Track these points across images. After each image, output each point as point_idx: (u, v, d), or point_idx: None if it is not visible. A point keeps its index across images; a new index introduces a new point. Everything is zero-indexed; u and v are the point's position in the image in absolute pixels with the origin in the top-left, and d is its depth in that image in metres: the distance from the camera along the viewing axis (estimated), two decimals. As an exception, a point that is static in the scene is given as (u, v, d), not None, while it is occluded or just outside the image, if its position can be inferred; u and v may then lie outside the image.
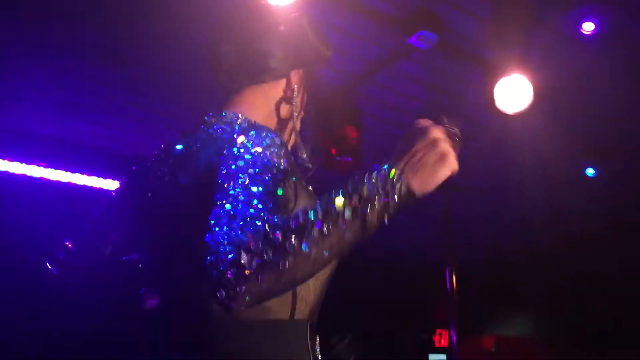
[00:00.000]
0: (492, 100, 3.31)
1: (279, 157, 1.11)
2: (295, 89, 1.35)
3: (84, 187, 4.29)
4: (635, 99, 3.64)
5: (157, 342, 1.20)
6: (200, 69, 1.71)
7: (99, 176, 4.33)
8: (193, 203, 1.13)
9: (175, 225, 1.19)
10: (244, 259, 0.90)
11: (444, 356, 8.76)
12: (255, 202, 0.99)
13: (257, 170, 1.04)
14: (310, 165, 1.35)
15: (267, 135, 1.13)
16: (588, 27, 3.05)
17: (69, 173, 4.22)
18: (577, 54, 3.29)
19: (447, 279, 5.04)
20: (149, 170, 1.29)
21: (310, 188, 1.27)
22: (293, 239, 0.91)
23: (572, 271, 6.61)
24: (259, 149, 1.09)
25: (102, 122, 4.01)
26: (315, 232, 0.92)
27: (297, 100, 1.37)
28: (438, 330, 8.89)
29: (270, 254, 0.90)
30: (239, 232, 0.93)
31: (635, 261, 6.00)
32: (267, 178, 1.04)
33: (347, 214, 0.95)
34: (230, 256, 0.90)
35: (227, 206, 0.98)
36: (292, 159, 1.22)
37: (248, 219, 0.95)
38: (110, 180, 4.34)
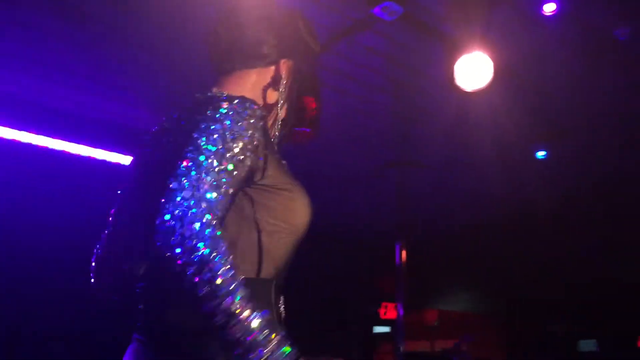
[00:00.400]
0: (452, 77, 3.31)
1: (255, 128, 1.20)
2: (283, 76, 1.42)
3: (47, 149, 4.21)
4: (590, 82, 3.70)
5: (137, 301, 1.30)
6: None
7: (60, 138, 4.24)
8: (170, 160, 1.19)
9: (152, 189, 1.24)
10: (206, 219, 1.04)
11: (388, 328, 8.94)
12: (218, 167, 1.11)
13: (231, 137, 1.15)
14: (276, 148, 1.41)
15: (249, 106, 1.22)
16: (549, 7, 3.06)
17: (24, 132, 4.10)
18: (537, 34, 3.30)
19: (397, 253, 5.08)
20: (146, 146, 1.40)
21: (284, 162, 1.35)
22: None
23: (516, 249, 6.79)
24: (238, 117, 1.18)
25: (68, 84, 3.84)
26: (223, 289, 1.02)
27: (284, 89, 1.43)
28: (384, 304, 9.03)
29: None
30: (206, 191, 1.07)
31: (579, 241, 6.20)
32: (237, 145, 1.15)
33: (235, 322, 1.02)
34: (193, 210, 1.04)
35: (200, 158, 1.11)
36: (269, 134, 1.32)
37: (214, 182, 1.09)
38: (72, 143, 4.28)
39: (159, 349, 1.22)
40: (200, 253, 1.01)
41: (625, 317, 10.20)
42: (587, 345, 10.82)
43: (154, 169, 1.30)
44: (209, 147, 1.13)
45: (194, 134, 1.16)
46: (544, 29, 3.25)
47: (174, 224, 1.03)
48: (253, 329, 1.02)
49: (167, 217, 1.04)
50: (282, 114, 1.44)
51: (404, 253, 5.09)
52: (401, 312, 4.96)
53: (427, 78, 3.70)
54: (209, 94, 1.38)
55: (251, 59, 1.41)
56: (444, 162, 4.92)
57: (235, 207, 1.22)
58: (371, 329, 9.66)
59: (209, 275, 1.01)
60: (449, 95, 3.65)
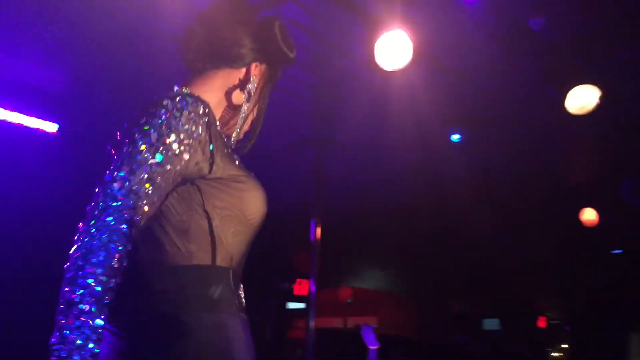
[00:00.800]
0: (373, 56, 3.29)
1: (195, 123, 1.24)
2: (253, 80, 1.44)
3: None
4: (505, 69, 3.77)
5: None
6: None
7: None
8: None
9: None
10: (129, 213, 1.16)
11: (302, 304, 9.01)
12: (151, 160, 1.19)
13: (166, 130, 1.20)
14: (232, 147, 1.44)
15: (192, 102, 1.26)
16: (471, -8, 3.08)
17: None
18: (456, 18, 3.32)
19: (311, 230, 5.06)
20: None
21: (236, 157, 1.40)
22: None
23: (430, 230, 6.94)
24: (177, 112, 1.22)
25: None
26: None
27: (254, 92, 1.45)
28: (298, 280, 9.07)
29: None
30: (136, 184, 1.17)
31: (489, 224, 6.39)
32: (168, 141, 1.20)
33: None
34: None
35: (134, 152, 1.19)
36: (219, 132, 1.36)
37: (146, 175, 1.18)
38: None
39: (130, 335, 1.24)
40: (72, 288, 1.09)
41: (527, 299, 10.74)
42: (491, 323, 11.31)
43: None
44: (144, 141, 1.19)
45: (133, 129, 1.22)
46: (464, 14, 3.28)
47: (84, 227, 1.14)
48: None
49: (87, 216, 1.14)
50: (252, 115, 1.47)
51: (318, 230, 5.07)
52: (314, 288, 4.95)
53: (349, 56, 3.66)
54: (170, 93, 1.33)
55: (224, 60, 1.43)
56: (362, 141, 4.92)
57: (185, 197, 1.27)
58: (285, 305, 9.71)
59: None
60: (369, 74, 3.63)
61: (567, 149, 4.86)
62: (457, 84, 3.96)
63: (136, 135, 1.20)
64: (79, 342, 1.06)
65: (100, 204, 1.14)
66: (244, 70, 1.43)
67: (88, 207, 1.14)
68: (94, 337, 1.08)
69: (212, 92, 1.40)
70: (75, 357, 1.05)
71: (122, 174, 1.16)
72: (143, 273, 1.25)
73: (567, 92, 3.70)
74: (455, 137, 4.52)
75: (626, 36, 3.44)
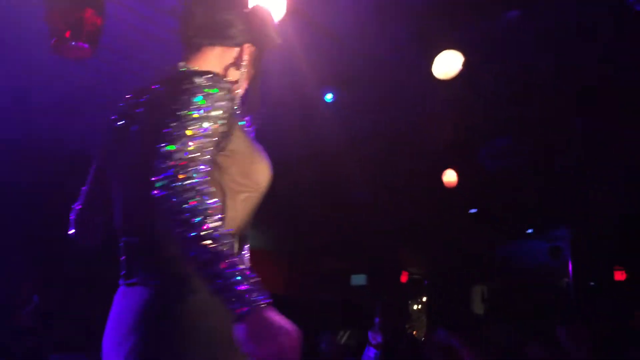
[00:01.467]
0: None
1: (226, 99, 1.41)
2: (245, 59, 1.62)
3: None
4: (376, 33, 3.85)
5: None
6: None
7: None
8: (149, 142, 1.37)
9: (135, 166, 1.48)
10: (195, 175, 1.28)
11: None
12: (200, 133, 1.34)
13: (208, 107, 1.37)
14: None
15: (221, 80, 1.45)
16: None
17: None
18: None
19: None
20: (122, 117, 1.59)
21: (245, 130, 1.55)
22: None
23: (304, 190, 7.03)
24: (212, 90, 1.39)
25: None
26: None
27: (245, 69, 1.62)
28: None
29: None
30: (192, 152, 1.31)
31: (361, 180, 6.55)
32: (214, 114, 1.38)
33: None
34: (183, 168, 1.28)
35: (184, 127, 1.33)
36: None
37: (198, 145, 1.33)
38: None
39: (164, 290, 1.41)
40: (192, 202, 1.22)
41: (392, 255, 11.29)
42: (358, 279, 11.78)
43: (138, 138, 1.50)
44: (191, 116, 1.34)
45: (173, 106, 1.37)
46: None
47: (169, 181, 1.25)
48: (236, 264, 1.21)
49: (163, 176, 1.26)
50: (241, 91, 1.63)
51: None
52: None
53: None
54: (180, 69, 1.57)
55: (219, 38, 1.60)
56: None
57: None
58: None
59: (199, 219, 1.21)
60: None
61: (431, 112, 5.08)
62: (330, 45, 3.98)
63: (180, 112, 1.35)
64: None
65: (171, 170, 1.27)
66: (237, 49, 1.62)
67: (154, 178, 1.28)
68: None
69: (210, 67, 1.56)
70: None
71: (178, 147, 1.30)
72: (159, 238, 1.43)
73: (434, 57, 3.86)
74: (329, 97, 4.56)
75: (487, 4, 3.62)
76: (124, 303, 1.47)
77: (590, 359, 3.52)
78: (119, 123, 1.59)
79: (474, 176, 6.16)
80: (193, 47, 1.60)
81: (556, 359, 3.61)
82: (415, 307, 13.87)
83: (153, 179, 1.26)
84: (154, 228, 1.42)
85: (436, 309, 12.29)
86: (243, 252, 1.55)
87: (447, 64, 3.86)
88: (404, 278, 12.59)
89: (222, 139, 1.42)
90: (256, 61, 1.65)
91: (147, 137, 1.41)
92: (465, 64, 3.85)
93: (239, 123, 1.52)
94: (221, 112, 1.39)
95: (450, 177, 6.33)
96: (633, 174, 6.50)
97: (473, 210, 8.53)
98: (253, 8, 1.63)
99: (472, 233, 10.23)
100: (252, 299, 1.19)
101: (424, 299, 14.09)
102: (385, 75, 4.37)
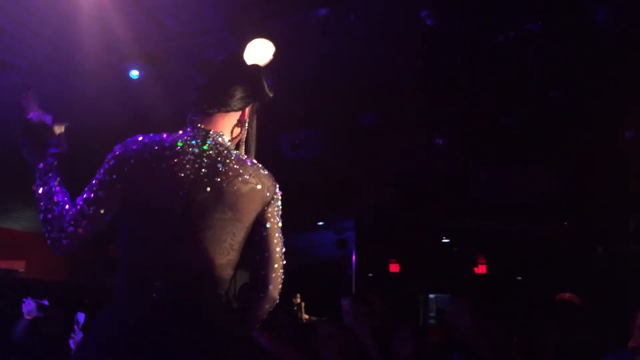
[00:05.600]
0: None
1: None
2: (247, 118, 2.00)
3: None
4: (193, 12, 3.80)
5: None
6: None
7: None
8: None
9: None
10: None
11: None
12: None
13: None
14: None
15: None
16: None
17: None
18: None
19: None
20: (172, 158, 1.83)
21: None
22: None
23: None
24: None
25: None
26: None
27: (250, 126, 2.02)
28: None
29: None
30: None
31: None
32: None
33: None
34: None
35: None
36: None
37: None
38: None
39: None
40: None
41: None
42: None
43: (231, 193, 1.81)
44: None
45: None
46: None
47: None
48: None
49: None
50: (243, 137, 2.00)
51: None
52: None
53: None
54: (219, 138, 1.91)
55: (229, 108, 1.93)
56: (40, 64, 4.44)
57: None
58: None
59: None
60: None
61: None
62: (141, 19, 3.84)
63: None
64: None
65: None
66: (240, 112, 1.97)
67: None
68: None
69: (223, 130, 1.93)
70: None
71: None
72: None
73: (246, 43, 3.91)
74: (135, 74, 4.38)
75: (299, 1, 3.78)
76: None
77: (368, 334, 3.82)
78: (183, 159, 1.81)
79: (276, 167, 6.35)
80: (207, 115, 1.92)
81: (345, 338, 3.83)
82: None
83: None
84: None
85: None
86: None
87: (259, 52, 3.94)
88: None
89: None
90: (253, 114, 2.02)
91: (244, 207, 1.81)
92: (275, 54, 3.97)
93: None
94: None
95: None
96: (405, 171, 7.18)
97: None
98: (250, 72, 1.98)
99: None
100: None
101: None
102: (193, 54, 4.32)
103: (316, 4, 3.83)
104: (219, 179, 1.78)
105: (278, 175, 1.99)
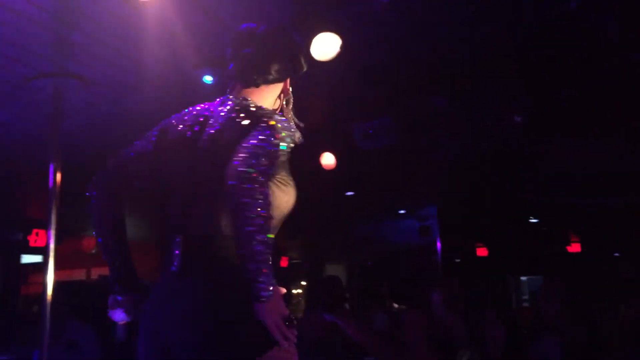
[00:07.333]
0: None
1: (287, 138, 1.79)
2: (288, 89, 2.07)
3: None
4: (252, 14, 3.85)
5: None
6: None
7: None
8: (213, 152, 1.83)
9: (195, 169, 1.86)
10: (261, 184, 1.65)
11: (39, 257, 8.31)
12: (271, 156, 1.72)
13: (276, 141, 1.74)
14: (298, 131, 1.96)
15: (283, 121, 1.82)
16: None
17: None
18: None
19: (50, 175, 4.66)
20: (172, 129, 1.99)
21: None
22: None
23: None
24: (280, 127, 1.78)
25: None
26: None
27: (289, 97, 2.08)
28: (35, 230, 8.34)
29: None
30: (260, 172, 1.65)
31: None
32: (281, 146, 1.76)
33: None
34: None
35: (261, 152, 1.70)
36: None
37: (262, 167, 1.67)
38: None
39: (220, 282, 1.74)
40: (258, 198, 1.59)
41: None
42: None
43: (212, 150, 1.83)
44: (267, 143, 1.72)
45: (253, 131, 1.76)
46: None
47: (245, 186, 1.61)
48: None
49: (239, 182, 1.62)
50: (288, 112, 2.08)
51: (58, 175, 4.69)
52: (51, 239, 4.59)
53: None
54: (244, 101, 1.93)
55: (270, 80, 1.98)
56: (109, 78, 4.64)
57: None
58: (18, 259, 8.88)
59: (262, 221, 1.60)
60: (118, 2, 3.43)
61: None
62: (210, 25, 3.93)
63: (263, 144, 1.71)
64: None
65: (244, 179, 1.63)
66: (281, 84, 2.04)
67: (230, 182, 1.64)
68: None
69: (264, 102, 1.98)
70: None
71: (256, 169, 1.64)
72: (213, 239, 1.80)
73: (312, 38, 3.93)
74: (209, 79, 4.48)
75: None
76: (177, 291, 1.76)
77: (460, 322, 3.77)
78: (176, 133, 1.94)
79: (350, 158, 6.36)
80: (248, 86, 1.98)
81: (431, 327, 3.81)
82: (294, 291, 14.09)
83: (230, 182, 1.61)
84: (217, 227, 1.76)
85: (313, 291, 12.59)
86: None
87: (325, 45, 3.94)
88: (284, 263, 12.74)
89: (279, 168, 1.80)
90: (293, 85, 2.08)
91: (222, 151, 1.75)
92: (342, 46, 3.96)
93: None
94: (286, 146, 1.77)
95: (328, 160, 6.49)
96: (484, 156, 7.01)
97: (350, 193, 8.79)
98: (293, 44, 2.04)
99: (348, 215, 10.55)
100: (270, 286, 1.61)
101: (304, 283, 14.35)
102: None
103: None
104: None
105: (354, 165, 2.04)
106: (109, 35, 3.96)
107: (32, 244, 8.36)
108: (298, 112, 5.95)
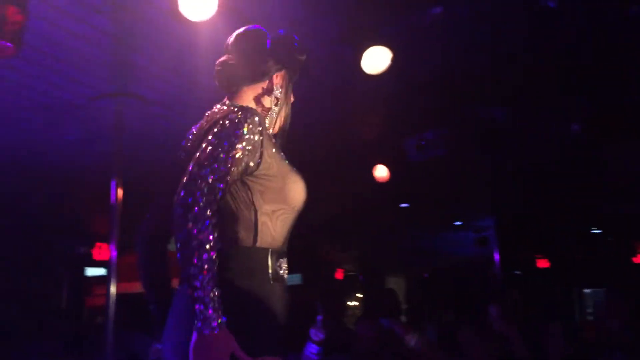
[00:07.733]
0: (177, 5, 3.20)
1: (252, 132, 1.67)
2: (276, 87, 1.90)
3: None
4: (306, 29, 3.90)
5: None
6: None
7: None
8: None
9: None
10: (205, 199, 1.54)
11: (103, 270, 8.59)
12: (219, 164, 1.60)
13: (234, 140, 1.63)
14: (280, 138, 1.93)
15: (249, 115, 1.68)
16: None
17: None
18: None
19: (112, 191, 4.84)
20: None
21: (282, 154, 1.81)
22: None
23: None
24: (239, 124, 1.66)
25: None
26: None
27: (282, 94, 1.92)
28: (98, 244, 8.62)
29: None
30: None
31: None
32: (228, 144, 1.62)
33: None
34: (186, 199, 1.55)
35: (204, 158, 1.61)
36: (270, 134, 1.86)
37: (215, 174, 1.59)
38: None
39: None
40: (191, 232, 1.49)
41: (324, 253, 11.41)
42: (293, 279, 11.85)
43: (187, 155, 1.78)
44: (219, 146, 1.62)
45: (208, 136, 1.66)
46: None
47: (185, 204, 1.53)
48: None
49: (181, 202, 1.54)
50: (283, 112, 1.93)
51: (120, 191, 4.86)
52: (114, 252, 4.75)
53: (150, 2, 3.51)
54: (223, 106, 1.85)
55: (252, 80, 1.88)
56: (167, 97, 4.78)
57: (233, 194, 1.67)
58: (83, 271, 9.18)
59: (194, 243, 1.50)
60: (173, 24, 3.53)
61: (361, 107, 5.19)
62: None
63: (214, 141, 1.62)
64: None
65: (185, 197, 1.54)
66: (267, 81, 1.89)
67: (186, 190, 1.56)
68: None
69: (250, 103, 1.87)
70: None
71: (206, 171, 1.56)
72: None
73: (363, 52, 3.95)
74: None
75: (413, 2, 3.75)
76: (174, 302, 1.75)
77: (519, 336, 3.69)
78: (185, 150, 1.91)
79: (403, 170, 6.33)
80: (228, 89, 1.90)
81: (488, 341, 3.75)
82: (351, 303, 14.04)
83: (175, 201, 1.55)
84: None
85: (370, 302, 12.52)
86: (283, 266, 1.75)
87: (376, 59, 3.96)
88: (339, 275, 12.73)
89: (250, 166, 1.66)
90: (290, 79, 1.94)
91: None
92: (393, 59, 3.97)
93: (272, 147, 1.74)
94: (245, 143, 1.63)
95: (381, 172, 6.47)
96: (543, 165, 6.84)
97: (404, 205, 8.73)
98: (275, 39, 1.90)
99: (402, 227, 10.47)
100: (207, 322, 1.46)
101: (360, 295, 14.27)
102: (314, 71, 4.42)
103: (429, 3, 3.79)
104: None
105: (406, 178, 1.98)
106: (166, 56, 4.08)
107: (95, 257, 8.64)
108: (352, 125, 5.95)
